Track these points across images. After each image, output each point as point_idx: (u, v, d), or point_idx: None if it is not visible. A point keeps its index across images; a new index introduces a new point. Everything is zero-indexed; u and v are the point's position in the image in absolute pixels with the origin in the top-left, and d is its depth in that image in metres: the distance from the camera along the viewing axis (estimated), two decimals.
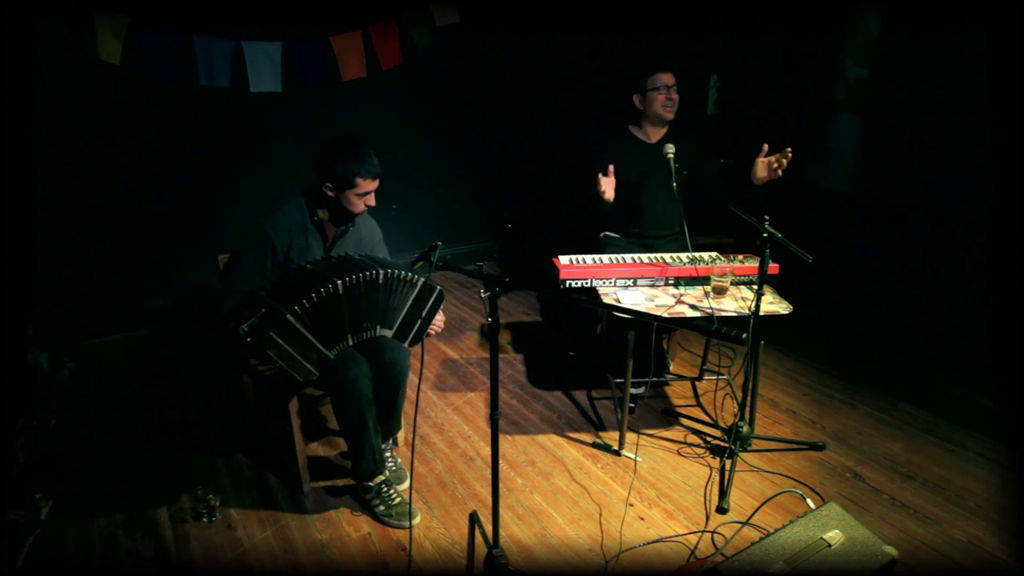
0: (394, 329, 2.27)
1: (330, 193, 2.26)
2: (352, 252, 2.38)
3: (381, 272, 2.12)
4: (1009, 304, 3.36)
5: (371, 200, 2.32)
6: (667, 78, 2.93)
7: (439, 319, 2.36)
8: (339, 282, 2.04)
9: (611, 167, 2.80)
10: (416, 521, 2.29)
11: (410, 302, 2.23)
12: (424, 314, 2.28)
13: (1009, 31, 3.20)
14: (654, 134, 3.07)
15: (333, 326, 2.12)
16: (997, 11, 3.24)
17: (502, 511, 2.29)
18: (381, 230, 2.60)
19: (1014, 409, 2.92)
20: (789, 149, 2.57)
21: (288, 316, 1.97)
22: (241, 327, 1.97)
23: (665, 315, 2.39)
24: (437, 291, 2.26)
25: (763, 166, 2.64)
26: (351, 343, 2.21)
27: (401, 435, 2.67)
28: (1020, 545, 2.19)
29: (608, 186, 2.79)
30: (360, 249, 2.45)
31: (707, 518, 2.31)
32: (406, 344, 2.33)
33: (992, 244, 3.45)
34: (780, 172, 2.61)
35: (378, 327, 2.23)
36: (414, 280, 2.18)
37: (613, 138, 3.11)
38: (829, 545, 1.70)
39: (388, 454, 2.53)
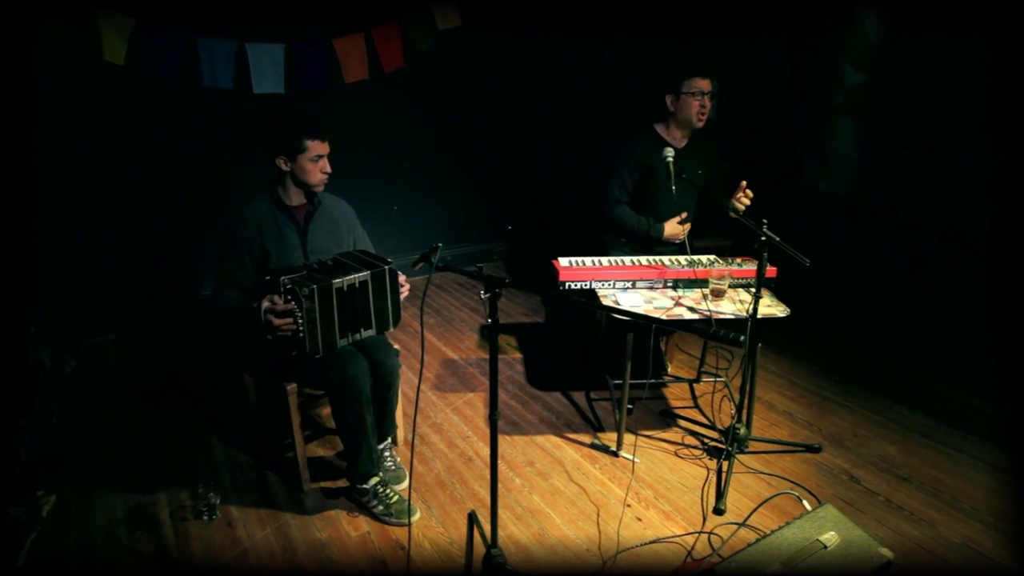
0: (374, 326, 2.25)
1: (284, 166, 2.24)
2: (331, 241, 2.40)
3: (356, 278, 2.14)
4: (1005, 307, 3.37)
5: (326, 166, 2.27)
6: (705, 84, 2.78)
7: (404, 286, 2.31)
8: (356, 276, 2.11)
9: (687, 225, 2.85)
10: (415, 518, 2.29)
11: (371, 297, 2.20)
12: (391, 298, 2.25)
13: (1007, 37, 3.20)
14: (681, 138, 2.95)
15: (350, 316, 2.15)
16: (995, 17, 3.25)
17: (501, 511, 2.28)
18: (371, 227, 2.58)
19: (1010, 412, 2.92)
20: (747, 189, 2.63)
21: (333, 281, 2.05)
22: (283, 277, 2.00)
23: (664, 317, 2.39)
24: (387, 270, 2.21)
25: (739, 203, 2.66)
26: (353, 339, 2.22)
27: (400, 435, 2.67)
28: (1015, 548, 2.19)
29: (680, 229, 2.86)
30: (335, 231, 2.44)
31: (704, 519, 2.31)
32: (391, 326, 2.30)
33: (988, 248, 3.46)
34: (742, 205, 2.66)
35: (361, 330, 2.23)
36: (363, 279, 2.16)
37: (639, 135, 2.97)
38: (825, 547, 1.70)
39: (388, 453, 2.52)
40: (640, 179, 2.95)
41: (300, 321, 2.02)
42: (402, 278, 2.30)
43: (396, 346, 2.46)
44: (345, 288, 2.11)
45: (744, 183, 2.64)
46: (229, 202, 3.66)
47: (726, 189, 2.85)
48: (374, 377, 2.32)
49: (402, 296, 2.31)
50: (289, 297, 2.02)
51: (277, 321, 2.05)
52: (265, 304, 2.07)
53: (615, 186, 2.97)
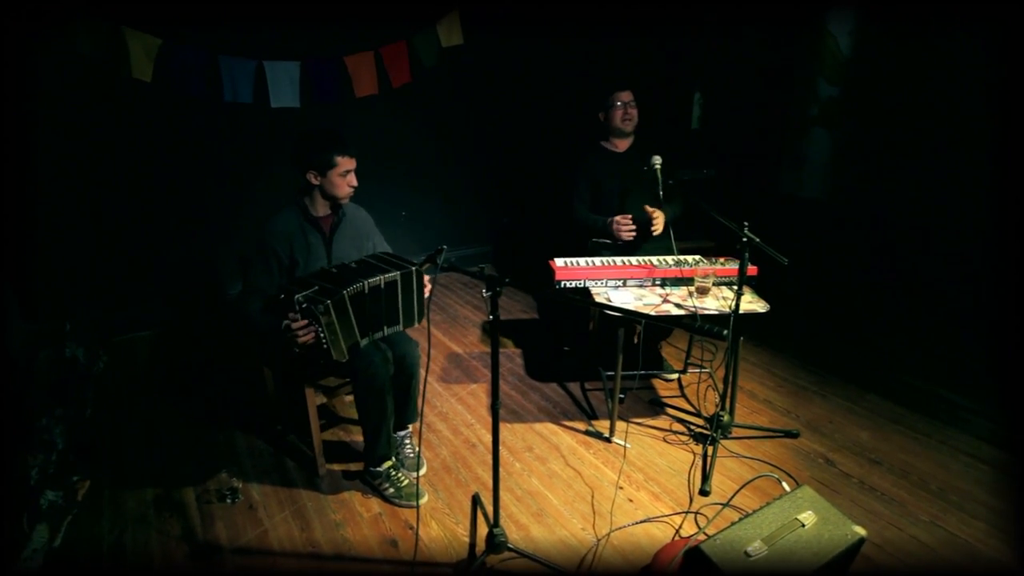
0: (401, 322, 2.25)
1: (315, 181, 2.22)
2: (353, 248, 2.37)
3: (383, 279, 2.11)
4: (970, 304, 3.37)
5: (353, 180, 2.26)
6: (625, 96, 3.00)
7: (427, 285, 2.29)
8: (382, 277, 2.08)
9: (631, 225, 2.90)
10: (423, 501, 2.28)
11: (400, 296, 2.19)
12: (416, 296, 2.24)
13: (968, 56, 3.21)
14: (621, 145, 3.13)
15: (370, 317, 2.13)
16: (958, 35, 3.25)
17: (502, 493, 2.28)
18: (382, 231, 2.56)
19: (974, 401, 2.91)
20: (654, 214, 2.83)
21: (345, 292, 2.00)
22: (297, 296, 1.96)
23: (652, 313, 2.38)
24: (414, 271, 2.18)
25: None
26: (375, 337, 2.20)
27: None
28: (979, 524, 2.18)
29: (626, 231, 2.91)
30: (357, 238, 2.42)
31: (690, 500, 2.30)
32: (416, 322, 2.28)
33: (952, 248, 3.46)
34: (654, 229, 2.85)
35: (385, 327, 2.21)
36: (395, 278, 2.14)
37: (588, 151, 3.17)
38: (803, 525, 1.69)
39: (408, 442, 2.52)
40: (593, 188, 3.13)
41: (323, 335, 2.01)
42: (426, 278, 2.28)
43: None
44: (367, 291, 2.07)
45: (652, 210, 2.84)
46: (250, 208, 3.66)
47: (703, 195, 2.89)
48: (399, 368, 2.32)
49: (426, 294, 2.28)
50: (305, 316, 1.99)
51: (302, 339, 2.03)
52: (286, 323, 2.04)
53: (574, 195, 3.18)
